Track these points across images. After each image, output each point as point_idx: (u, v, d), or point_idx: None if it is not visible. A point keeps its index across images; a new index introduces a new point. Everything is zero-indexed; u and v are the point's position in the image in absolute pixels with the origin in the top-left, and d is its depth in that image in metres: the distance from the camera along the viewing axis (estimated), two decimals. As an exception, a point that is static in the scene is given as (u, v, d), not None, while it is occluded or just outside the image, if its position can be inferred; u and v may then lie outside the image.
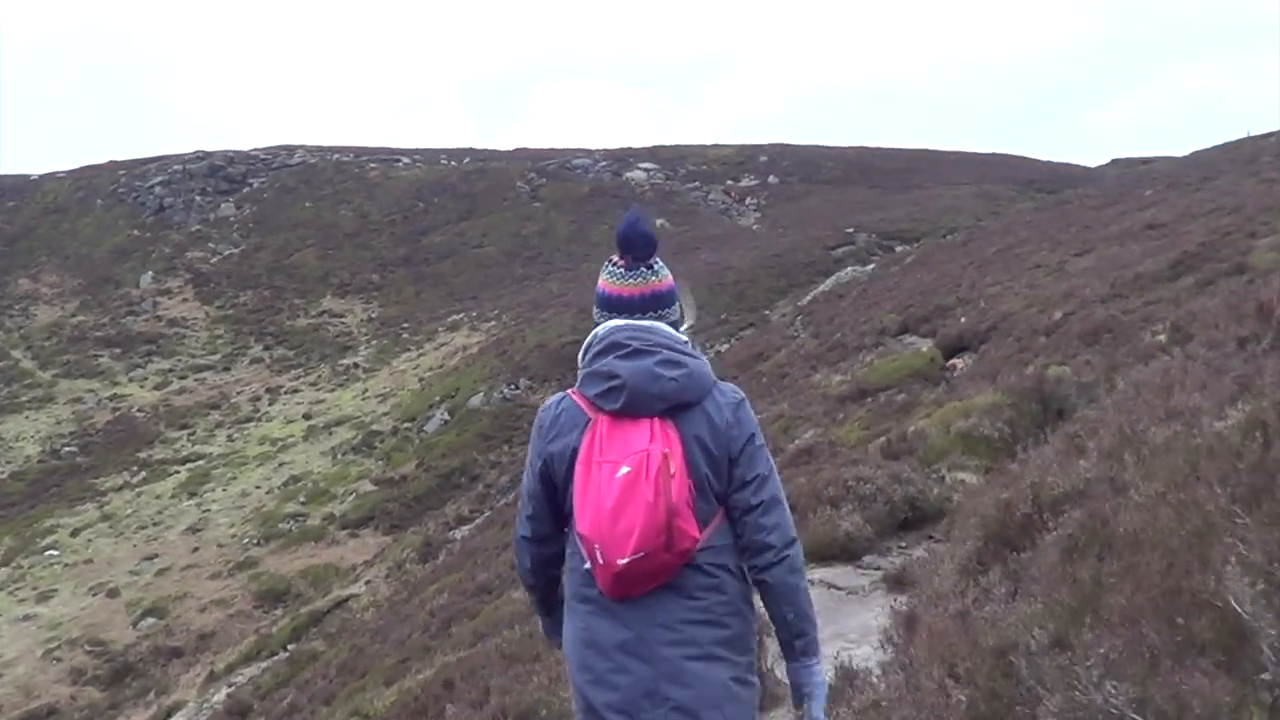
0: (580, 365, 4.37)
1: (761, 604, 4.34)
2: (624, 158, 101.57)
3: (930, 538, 11.80)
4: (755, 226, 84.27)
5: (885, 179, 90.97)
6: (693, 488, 4.08)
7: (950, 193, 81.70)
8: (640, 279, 4.41)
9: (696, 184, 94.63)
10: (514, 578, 25.61)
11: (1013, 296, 34.70)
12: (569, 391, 4.35)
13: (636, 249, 4.43)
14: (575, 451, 4.18)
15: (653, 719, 4.11)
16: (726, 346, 53.93)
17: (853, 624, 9.54)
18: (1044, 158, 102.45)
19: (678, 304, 4.48)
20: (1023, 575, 6.30)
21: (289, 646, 35.01)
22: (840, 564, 11.49)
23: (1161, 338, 19.25)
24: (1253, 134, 61.48)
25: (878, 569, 11.18)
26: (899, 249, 64.80)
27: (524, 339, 61.97)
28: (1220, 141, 65.41)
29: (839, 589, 10.76)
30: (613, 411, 4.15)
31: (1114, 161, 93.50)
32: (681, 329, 4.45)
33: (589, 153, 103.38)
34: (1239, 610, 4.08)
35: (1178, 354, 13.51)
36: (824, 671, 4.43)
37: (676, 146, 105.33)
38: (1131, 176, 66.76)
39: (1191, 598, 4.38)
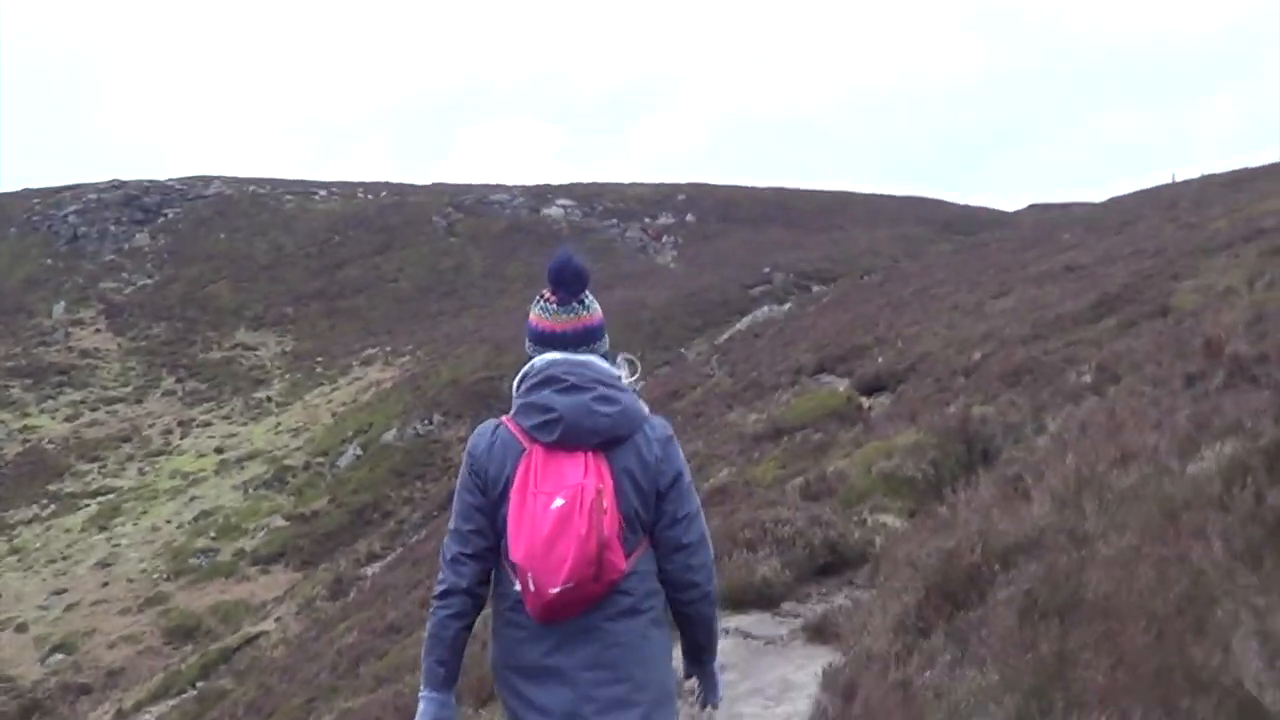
0: (515, 395, 4.42)
1: (676, 625, 4.52)
2: (542, 194, 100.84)
3: (852, 583, 11.14)
4: (672, 265, 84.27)
5: (803, 219, 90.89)
6: (622, 521, 4.17)
7: (868, 234, 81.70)
8: (572, 314, 4.45)
9: (614, 221, 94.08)
10: (423, 616, 25.31)
11: (930, 337, 34.31)
12: (502, 419, 4.40)
13: (568, 284, 4.46)
14: (509, 479, 4.22)
15: None
16: (641, 385, 52.42)
17: (771, 678, 8.88)
18: (961, 201, 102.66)
19: (607, 336, 4.56)
20: (970, 636, 5.54)
21: (198, 684, 34.54)
22: (756, 611, 10.80)
23: (1087, 378, 18.81)
24: (1176, 178, 61.42)
25: (797, 617, 10.50)
26: (816, 289, 64.74)
27: (438, 374, 61.42)
28: (1139, 187, 65.37)
29: (755, 638, 10.06)
30: (548, 443, 4.20)
31: (1032, 206, 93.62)
32: (621, 373, 4.53)
33: (507, 189, 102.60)
34: (1255, 693, 3.38)
35: (1116, 392, 12.92)
36: (718, 665, 4.77)
37: (594, 184, 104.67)
38: (1049, 220, 66.63)
39: (1188, 675, 3.68)
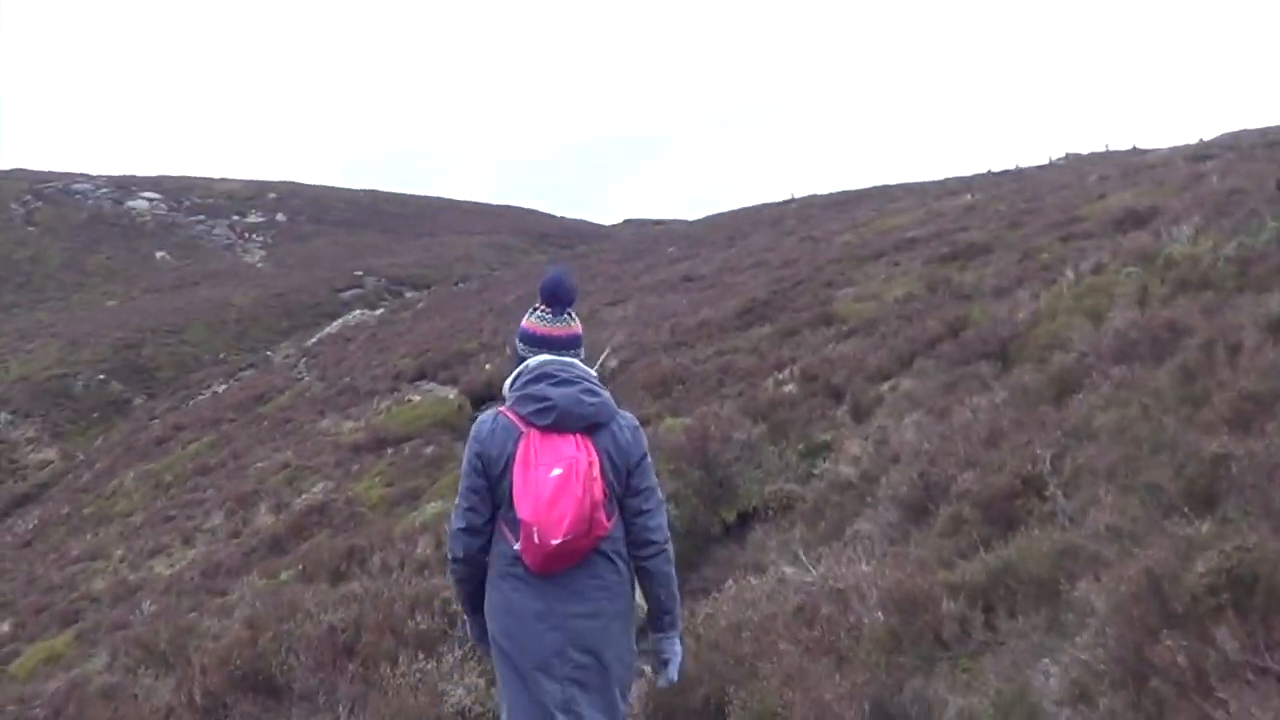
0: (510, 389, 5.06)
1: (638, 584, 5.15)
2: (127, 185, 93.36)
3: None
4: (260, 264, 79.51)
5: (396, 224, 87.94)
6: (605, 489, 4.84)
7: (462, 241, 79.59)
8: (564, 323, 5.12)
9: (202, 217, 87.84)
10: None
11: None
12: (499, 409, 5.05)
13: (561, 299, 5.13)
14: (511, 457, 4.85)
15: (562, 673, 4.86)
16: (225, 387, 50.77)
17: None
18: (558, 214, 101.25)
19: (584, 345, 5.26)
20: None
21: None
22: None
23: (790, 387, 15.49)
24: (795, 196, 61.58)
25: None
26: (409, 294, 63.19)
27: (6, 370, 56.32)
28: (729, 208, 66.43)
29: None
30: (543, 427, 4.86)
31: (627, 221, 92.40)
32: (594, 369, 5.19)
33: (91, 178, 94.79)
34: None
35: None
36: (680, 643, 5.29)
37: (184, 177, 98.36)
38: (649, 235, 66.66)
39: None
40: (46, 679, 15.17)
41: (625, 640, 5.00)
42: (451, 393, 30.42)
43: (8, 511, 39.64)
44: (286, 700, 8.03)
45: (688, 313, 28.65)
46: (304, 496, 24.41)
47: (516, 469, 4.75)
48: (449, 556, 5.14)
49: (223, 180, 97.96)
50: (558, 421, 4.79)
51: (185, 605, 17.55)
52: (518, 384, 4.97)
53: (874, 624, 5.61)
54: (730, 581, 8.06)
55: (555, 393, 4.82)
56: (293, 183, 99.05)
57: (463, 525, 4.96)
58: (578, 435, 4.80)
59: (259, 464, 29.95)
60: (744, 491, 11.33)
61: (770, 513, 11.03)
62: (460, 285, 61.13)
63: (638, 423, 5.10)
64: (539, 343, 5.02)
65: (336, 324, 57.24)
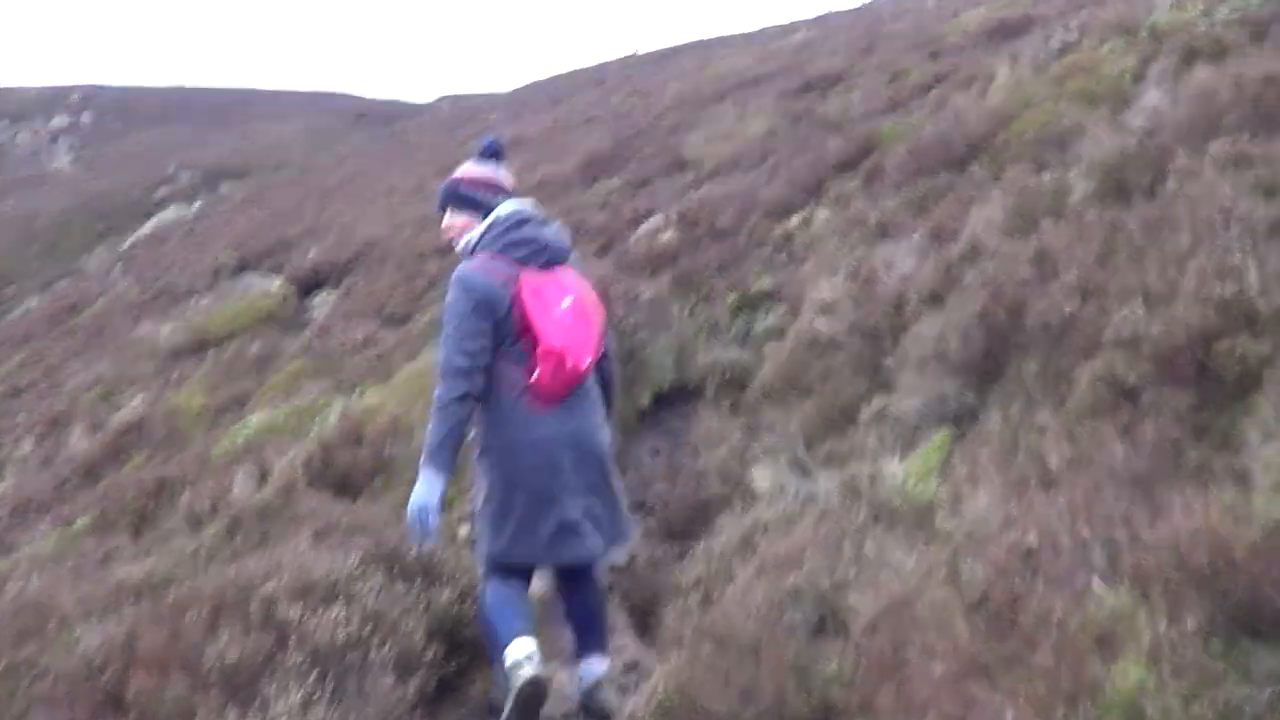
0: (484, 239, 5.22)
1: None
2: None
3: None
4: (69, 169, 75.49)
5: (207, 116, 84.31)
6: None
7: (276, 128, 76.77)
8: (509, 173, 5.53)
9: (4, 124, 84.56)
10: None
11: (371, 223, 30.75)
12: (479, 258, 5.18)
13: (500, 155, 5.61)
14: (514, 296, 5.02)
15: (580, 484, 5.08)
16: (37, 301, 47.54)
17: None
18: (370, 95, 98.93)
19: None
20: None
21: None
22: None
23: (668, 236, 13.53)
24: (638, 52, 61.07)
25: None
26: (226, 187, 60.19)
27: None
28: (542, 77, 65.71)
29: None
30: (537, 264, 5.13)
31: (443, 98, 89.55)
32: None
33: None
34: None
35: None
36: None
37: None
38: (468, 107, 64.37)
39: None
40: None
41: (607, 441, 5.31)
42: (276, 283, 28.06)
43: None
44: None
45: (523, 172, 26.58)
46: (121, 412, 21.87)
47: (530, 306, 4.96)
48: (451, 397, 5.00)
49: (21, 89, 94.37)
50: (551, 258, 5.15)
51: (-15, 557, 14.98)
52: (495, 232, 5.19)
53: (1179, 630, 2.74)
54: (720, 520, 5.50)
55: (543, 232, 5.22)
56: (95, 85, 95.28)
57: (477, 364, 4.98)
58: (564, 267, 5.19)
59: (73, 380, 27.37)
60: (656, 365, 8.84)
61: (710, 391, 8.42)
62: (279, 172, 58.08)
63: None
64: (496, 189, 5.35)
65: (151, 224, 54.80)
